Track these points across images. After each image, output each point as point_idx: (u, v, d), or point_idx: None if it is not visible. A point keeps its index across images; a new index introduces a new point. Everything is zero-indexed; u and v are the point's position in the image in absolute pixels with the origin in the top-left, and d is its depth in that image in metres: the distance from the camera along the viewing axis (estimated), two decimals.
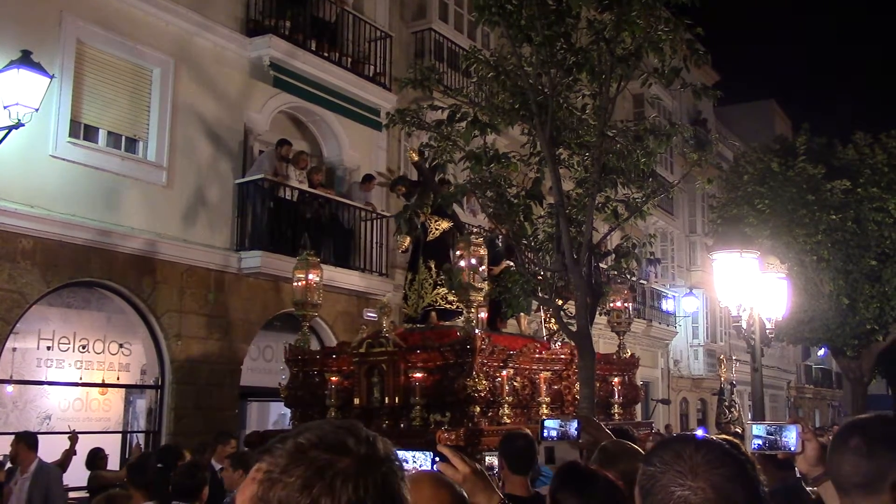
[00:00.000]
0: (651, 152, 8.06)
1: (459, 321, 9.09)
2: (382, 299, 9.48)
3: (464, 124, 8.00)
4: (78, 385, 11.51)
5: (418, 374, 8.40)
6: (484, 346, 8.34)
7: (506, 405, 8.51)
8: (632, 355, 11.74)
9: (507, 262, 10.68)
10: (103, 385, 11.82)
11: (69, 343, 11.37)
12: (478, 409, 8.17)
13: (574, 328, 7.77)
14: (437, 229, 10.41)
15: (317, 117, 14.72)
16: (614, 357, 11.03)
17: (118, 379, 11.97)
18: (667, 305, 25.83)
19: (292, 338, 10.87)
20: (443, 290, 10.12)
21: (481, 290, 8.71)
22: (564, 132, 8.16)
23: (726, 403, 21.81)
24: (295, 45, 13.52)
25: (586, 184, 8.01)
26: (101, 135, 11.53)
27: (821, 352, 35.78)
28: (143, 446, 11.26)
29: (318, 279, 10.08)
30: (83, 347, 11.51)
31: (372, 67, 15.16)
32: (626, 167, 7.90)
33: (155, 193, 11.77)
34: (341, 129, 14.80)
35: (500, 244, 11.04)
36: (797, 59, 75.65)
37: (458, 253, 8.84)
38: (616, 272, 8.83)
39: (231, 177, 12.87)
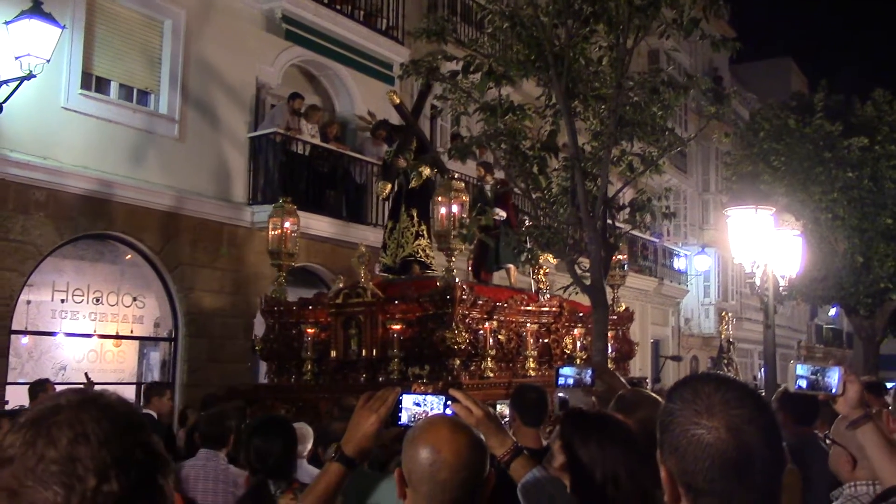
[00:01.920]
0: (668, 105, 7.96)
1: (440, 272, 8.73)
2: (360, 247, 9.07)
3: (478, 75, 7.90)
4: (92, 337, 11.60)
5: (397, 326, 8.06)
6: (465, 297, 8.03)
7: (489, 358, 8.22)
8: (626, 309, 11.47)
9: (497, 210, 10.41)
10: (117, 337, 11.91)
11: (83, 295, 11.43)
12: (458, 361, 7.90)
13: (587, 282, 7.75)
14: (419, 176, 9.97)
15: (329, 71, 14.60)
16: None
17: (132, 331, 12.06)
18: (678, 264, 25.77)
19: (308, 293, 10.89)
20: (424, 242, 9.72)
21: (464, 238, 8.38)
22: (580, 84, 8.05)
23: (725, 361, 21.89)
24: None
25: (602, 137, 7.93)
26: (113, 87, 11.47)
27: (832, 311, 35.72)
28: None
29: (294, 227, 9.70)
30: (97, 300, 11.58)
31: (384, 21, 14.99)
32: (643, 120, 7.81)
33: (167, 146, 11.74)
34: (353, 83, 14.68)
35: (490, 192, 10.71)
36: (815, 16, 74.52)
37: (438, 199, 8.45)
38: (631, 226, 8.76)
39: (243, 130, 12.82)
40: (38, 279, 10.57)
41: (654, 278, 23.68)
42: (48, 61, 9.64)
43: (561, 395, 3.72)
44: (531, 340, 8.91)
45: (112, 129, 11.03)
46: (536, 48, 7.75)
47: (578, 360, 9.32)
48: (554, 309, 9.60)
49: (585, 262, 7.97)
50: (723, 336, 23.11)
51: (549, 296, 9.97)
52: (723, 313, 24.40)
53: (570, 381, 3.73)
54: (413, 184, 10.01)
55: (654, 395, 3.24)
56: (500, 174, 11.74)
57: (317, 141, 13.39)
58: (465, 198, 8.52)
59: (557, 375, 3.74)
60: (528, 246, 8.42)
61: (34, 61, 9.51)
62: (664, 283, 24.32)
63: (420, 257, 9.74)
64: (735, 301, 29.16)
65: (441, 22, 8.33)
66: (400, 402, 2.40)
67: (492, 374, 8.19)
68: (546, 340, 9.47)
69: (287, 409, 8.10)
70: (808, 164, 17.14)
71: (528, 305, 9.32)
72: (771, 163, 17.57)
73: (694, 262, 26.56)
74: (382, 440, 2.39)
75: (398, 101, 10.23)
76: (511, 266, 10.79)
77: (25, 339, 11.03)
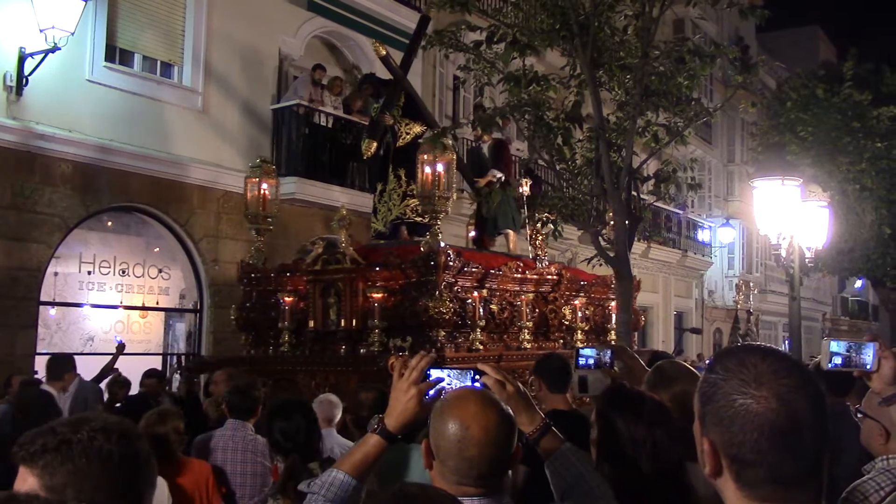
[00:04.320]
0: (695, 75, 7.86)
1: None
2: (340, 209, 8.47)
3: (502, 46, 7.83)
4: (118, 308, 11.72)
5: (377, 294, 7.50)
6: (451, 264, 7.47)
7: (478, 330, 7.64)
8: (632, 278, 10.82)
9: (495, 171, 9.85)
10: (143, 308, 12.02)
11: (110, 267, 11.55)
12: (442, 333, 7.37)
13: (612, 253, 7.72)
14: (407, 133, 9.34)
15: (351, 42, 14.54)
16: (612, 280, 9.71)
17: (157, 302, 12.18)
18: (703, 236, 25.61)
19: None
20: (413, 202, 8.99)
21: (448, 199, 7.74)
22: (605, 54, 7.96)
23: (741, 332, 21.82)
24: None
25: (627, 107, 7.85)
26: (137, 59, 11.49)
27: (858, 283, 35.40)
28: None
29: (272, 189, 9.09)
30: (123, 272, 11.70)
31: None
32: (669, 90, 7.72)
33: (191, 118, 11.77)
34: (375, 54, 14.58)
35: (487, 153, 10.17)
36: None
37: (423, 157, 7.75)
38: (656, 197, 8.69)
39: (266, 102, 12.82)
40: (64, 251, 10.67)
41: (678, 250, 23.57)
42: (72, 34, 9.69)
43: (581, 374, 3.73)
44: (526, 311, 8.28)
45: (136, 102, 11.07)
46: (561, 17, 7.66)
47: (579, 332, 8.90)
48: (552, 277, 8.93)
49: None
50: (739, 307, 23.06)
51: (547, 263, 9.29)
52: (739, 283, 24.33)
53: (591, 361, 3.74)
54: (400, 144, 9.36)
55: (692, 368, 3.22)
56: (520, 144, 11.64)
57: (340, 113, 13.36)
58: (452, 156, 7.88)
59: (577, 356, 3.76)
60: (553, 217, 8.34)
61: (59, 34, 9.56)
62: (688, 255, 24.21)
63: (409, 218, 9.13)
64: (759, 273, 28.98)
65: None
66: (428, 376, 2.37)
67: (481, 347, 7.62)
68: (543, 310, 8.83)
69: (264, 382, 7.46)
70: (835, 134, 16.92)
71: (523, 273, 8.63)
72: (798, 133, 17.35)
73: (718, 234, 26.38)
74: (426, 413, 2.31)
75: (384, 52, 9.51)
76: (510, 232, 10.18)
77: (53, 311, 11.17)
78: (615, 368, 3.70)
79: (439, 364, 2.57)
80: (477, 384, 2.37)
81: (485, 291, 7.91)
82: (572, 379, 3.98)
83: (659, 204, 11.64)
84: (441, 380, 2.36)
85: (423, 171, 7.74)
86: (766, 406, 1.41)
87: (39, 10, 9.54)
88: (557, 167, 8.25)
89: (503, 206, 9.73)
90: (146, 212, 11.39)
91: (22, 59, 9.71)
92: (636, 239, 9.04)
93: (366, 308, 7.66)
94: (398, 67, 9.67)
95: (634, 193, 7.87)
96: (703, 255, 25.59)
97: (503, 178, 9.90)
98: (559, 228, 9.05)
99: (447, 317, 7.33)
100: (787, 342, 23.68)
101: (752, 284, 25.41)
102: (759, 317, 28.19)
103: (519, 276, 8.54)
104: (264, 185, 8.98)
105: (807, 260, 11.43)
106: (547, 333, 8.78)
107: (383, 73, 11.13)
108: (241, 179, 12.01)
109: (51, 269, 10.43)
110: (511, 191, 9.77)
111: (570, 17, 7.51)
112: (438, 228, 7.69)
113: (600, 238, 7.96)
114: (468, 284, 7.79)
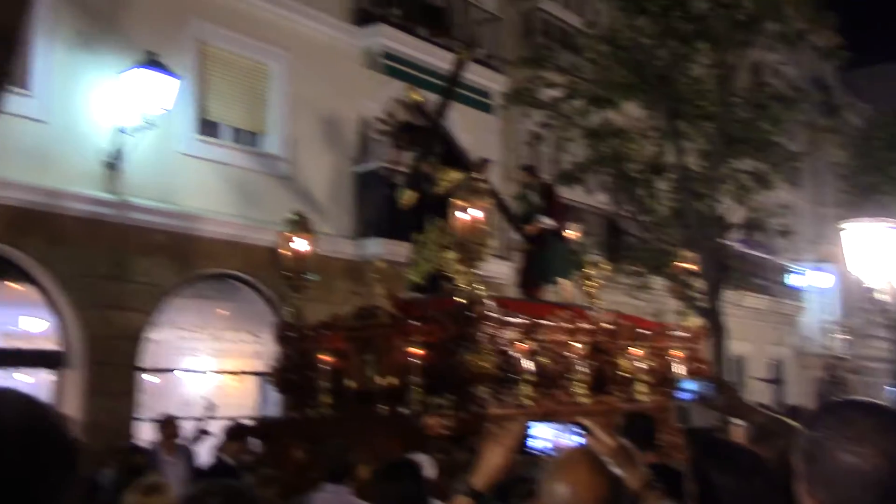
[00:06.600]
0: (778, 119, 7.76)
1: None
2: (376, 262, 8.20)
3: (581, 101, 7.89)
4: (213, 373, 11.98)
5: (415, 350, 7.05)
6: (491, 315, 7.02)
7: (523, 384, 7.13)
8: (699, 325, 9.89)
9: (544, 219, 9.40)
10: (237, 373, 12.25)
11: (203, 332, 11.83)
12: (485, 388, 6.85)
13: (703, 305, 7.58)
14: (446, 181, 8.93)
15: (429, 103, 14.77)
16: (674, 327, 9.15)
17: (251, 367, 12.38)
18: (795, 281, 24.85)
19: None
20: (452, 254, 8.28)
21: (485, 245, 7.27)
22: (684, 104, 7.94)
23: (830, 379, 20.96)
24: (405, 32, 13.62)
25: (711, 155, 7.78)
26: (225, 130, 11.92)
27: None
28: None
29: (308, 245, 8.60)
30: (217, 337, 11.96)
31: (482, 50, 15.12)
32: (752, 135, 7.64)
33: (278, 185, 12.10)
34: (454, 113, 14.79)
35: (537, 200, 9.66)
36: None
37: (457, 202, 7.23)
38: (745, 245, 8.52)
39: (349, 165, 13.11)
40: (160, 318, 11.00)
41: (770, 297, 22.91)
42: (169, 111, 10.14)
43: (682, 406, 3.69)
44: (579, 363, 7.74)
45: (227, 171, 11.47)
46: (638, 70, 7.69)
47: (640, 384, 8.36)
48: (607, 326, 8.37)
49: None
50: (829, 354, 22.27)
51: (601, 311, 8.70)
52: (824, 328, 23.53)
53: (692, 394, 3.70)
54: (439, 192, 8.93)
55: (793, 423, 3.14)
56: (602, 196, 11.52)
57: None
58: (489, 202, 7.44)
59: (679, 389, 3.76)
60: (640, 270, 8.26)
61: (154, 111, 10.02)
62: (781, 301, 23.51)
63: (447, 272, 8.55)
64: (859, 318, 27.90)
65: (539, 50, 8.34)
66: (528, 428, 2.41)
67: (530, 403, 7.08)
68: (599, 362, 8.25)
69: (304, 447, 7.16)
70: None
71: (574, 322, 8.05)
72: (889, 173, 16.87)
73: (812, 279, 25.55)
74: (514, 472, 2.38)
75: (419, 99, 9.28)
76: (563, 280, 9.64)
77: (150, 377, 11.47)
78: (716, 402, 3.65)
79: (543, 419, 2.60)
80: (580, 439, 2.39)
81: (532, 343, 7.42)
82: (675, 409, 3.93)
83: (748, 251, 11.44)
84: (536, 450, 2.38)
85: (458, 217, 7.25)
86: (874, 464, 1.39)
87: (136, 90, 10.02)
88: (640, 218, 8.19)
89: (555, 253, 9.41)
90: (238, 278, 11.70)
91: (119, 136, 10.18)
92: (726, 287, 8.85)
93: (404, 364, 7.20)
94: (434, 113, 9.41)
95: (723, 242, 7.75)
96: (797, 301, 24.82)
97: (554, 224, 9.45)
98: (647, 280, 8.91)
99: (489, 371, 6.86)
100: (888, 389, 22.68)
101: (845, 330, 24.51)
102: (859, 363, 27.07)
103: (570, 325, 8.00)
104: (301, 241, 8.58)
105: None
106: (603, 387, 8.19)
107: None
108: (328, 242, 12.25)
109: (148, 336, 10.75)
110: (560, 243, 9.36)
111: (647, 69, 7.54)
112: (476, 277, 7.22)
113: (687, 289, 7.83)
114: (513, 336, 7.32)
